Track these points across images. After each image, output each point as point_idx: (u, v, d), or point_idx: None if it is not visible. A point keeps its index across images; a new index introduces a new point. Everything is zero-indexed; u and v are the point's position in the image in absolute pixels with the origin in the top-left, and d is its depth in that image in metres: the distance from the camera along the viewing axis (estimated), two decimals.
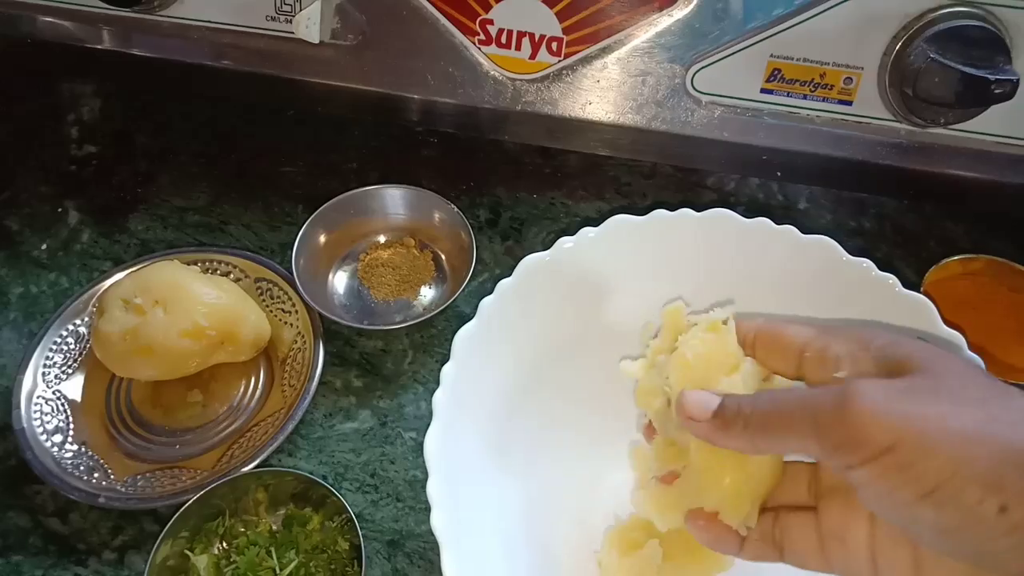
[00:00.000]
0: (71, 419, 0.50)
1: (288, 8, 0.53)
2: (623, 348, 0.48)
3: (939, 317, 0.43)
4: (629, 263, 0.47)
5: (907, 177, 0.55)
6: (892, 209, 0.64)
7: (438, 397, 0.40)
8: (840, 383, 0.27)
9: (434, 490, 0.37)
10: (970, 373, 0.27)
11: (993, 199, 0.56)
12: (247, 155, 0.66)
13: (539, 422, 0.47)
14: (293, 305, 0.55)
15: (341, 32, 0.54)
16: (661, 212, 0.46)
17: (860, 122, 0.52)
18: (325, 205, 0.57)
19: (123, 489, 0.47)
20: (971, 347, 0.42)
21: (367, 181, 0.60)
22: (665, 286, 0.47)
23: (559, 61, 0.53)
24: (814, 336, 0.31)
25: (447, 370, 0.41)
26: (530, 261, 0.44)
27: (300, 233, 0.55)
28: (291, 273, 0.54)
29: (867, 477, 0.26)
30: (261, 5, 0.53)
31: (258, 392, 0.53)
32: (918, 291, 0.44)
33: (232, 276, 0.56)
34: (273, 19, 0.53)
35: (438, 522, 0.36)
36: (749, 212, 0.46)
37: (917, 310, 0.43)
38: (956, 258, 0.53)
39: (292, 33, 0.53)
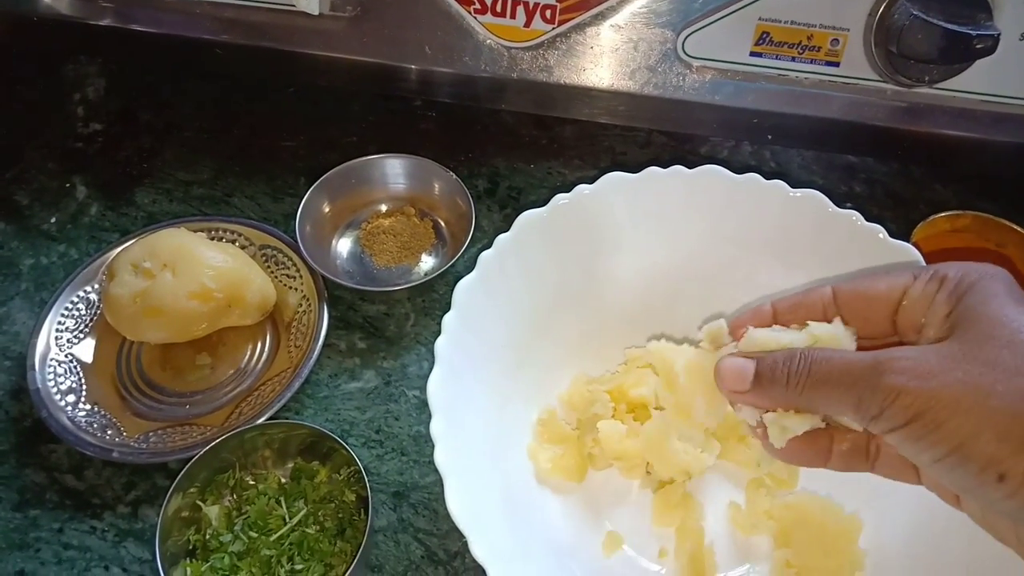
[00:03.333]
0: (84, 380, 0.52)
1: None
2: (617, 300, 0.50)
3: (924, 264, 0.44)
4: (624, 219, 0.48)
5: (895, 138, 0.56)
6: (882, 173, 0.65)
7: (440, 343, 0.41)
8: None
9: (437, 428, 0.39)
10: (1016, 336, 0.26)
11: (978, 158, 0.57)
12: (249, 130, 0.68)
13: (537, 366, 0.48)
14: (298, 270, 0.56)
15: (340, 3, 0.55)
16: (654, 169, 0.48)
17: (847, 83, 0.53)
18: (328, 173, 0.58)
19: (136, 445, 0.48)
20: None
21: (367, 154, 0.61)
22: (659, 241, 0.49)
23: (553, 28, 0.54)
24: (906, 283, 0.30)
25: (448, 318, 0.42)
26: (527, 216, 0.46)
27: (304, 199, 0.57)
28: (295, 240, 0.56)
29: (896, 440, 0.27)
30: None
31: (264, 354, 0.54)
32: (904, 240, 0.45)
33: (238, 243, 0.57)
34: None
35: (441, 457, 0.38)
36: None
37: (902, 257, 0.45)
38: (943, 214, 0.55)
39: (292, 5, 0.54)
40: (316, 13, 0.54)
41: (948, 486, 0.29)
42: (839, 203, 0.47)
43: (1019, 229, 0.54)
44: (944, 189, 0.64)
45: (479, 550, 0.36)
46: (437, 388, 0.40)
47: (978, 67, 0.50)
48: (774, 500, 0.46)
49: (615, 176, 0.48)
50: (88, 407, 0.50)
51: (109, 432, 0.49)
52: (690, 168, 0.48)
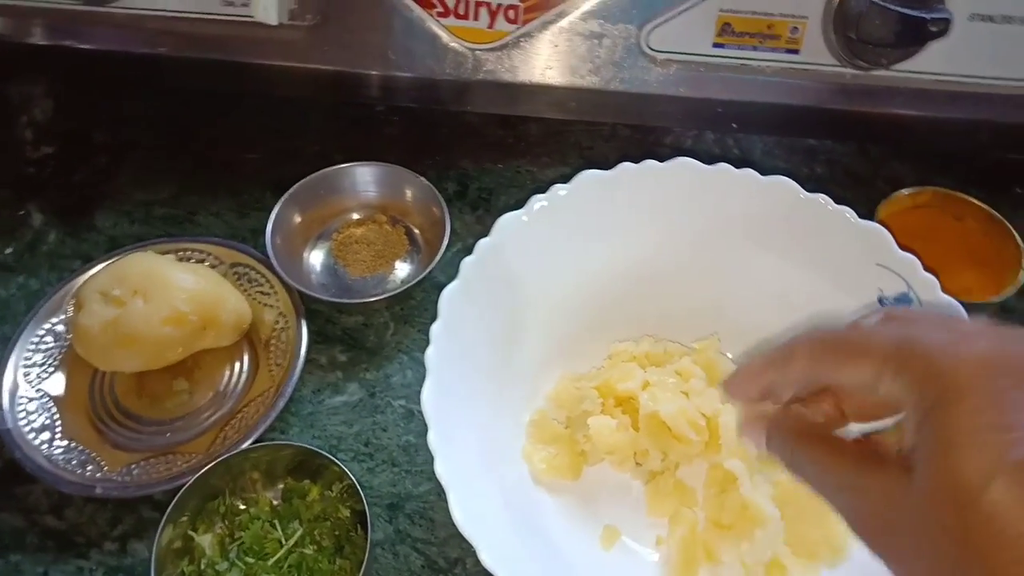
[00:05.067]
0: (57, 416, 0.50)
1: None
2: (599, 296, 0.51)
3: (894, 243, 0.46)
4: (600, 216, 0.49)
5: (853, 120, 0.58)
6: (841, 154, 0.67)
7: (430, 354, 0.41)
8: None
9: (435, 441, 0.38)
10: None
11: (933, 136, 0.59)
12: (209, 144, 0.66)
13: (524, 368, 0.48)
14: (272, 287, 0.55)
15: (299, 12, 0.54)
16: (627, 165, 0.48)
17: (808, 69, 0.54)
18: (297, 185, 0.57)
19: (118, 478, 0.47)
20: (926, 268, 0.45)
21: (331, 163, 0.60)
22: (636, 235, 0.50)
23: (517, 28, 0.54)
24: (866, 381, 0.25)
25: (436, 328, 0.42)
26: (506, 220, 0.46)
27: (274, 213, 0.56)
28: (266, 255, 0.55)
29: None
30: None
31: (244, 376, 0.53)
32: (870, 219, 0.46)
33: (207, 263, 0.56)
34: (229, 3, 0.54)
35: (441, 468, 0.38)
36: (709, 164, 0.48)
37: (873, 238, 0.46)
38: (905, 191, 0.56)
39: (250, 16, 0.53)
40: (275, 23, 0.53)
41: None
42: (802, 185, 0.48)
43: (975, 201, 0.56)
44: (901, 166, 0.66)
45: (488, 558, 0.36)
46: (431, 400, 0.39)
47: (932, 49, 0.52)
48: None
49: (589, 174, 0.48)
50: (64, 443, 0.49)
51: (89, 468, 0.47)
52: (661, 161, 0.49)
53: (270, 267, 0.55)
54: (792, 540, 0.44)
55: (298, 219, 0.58)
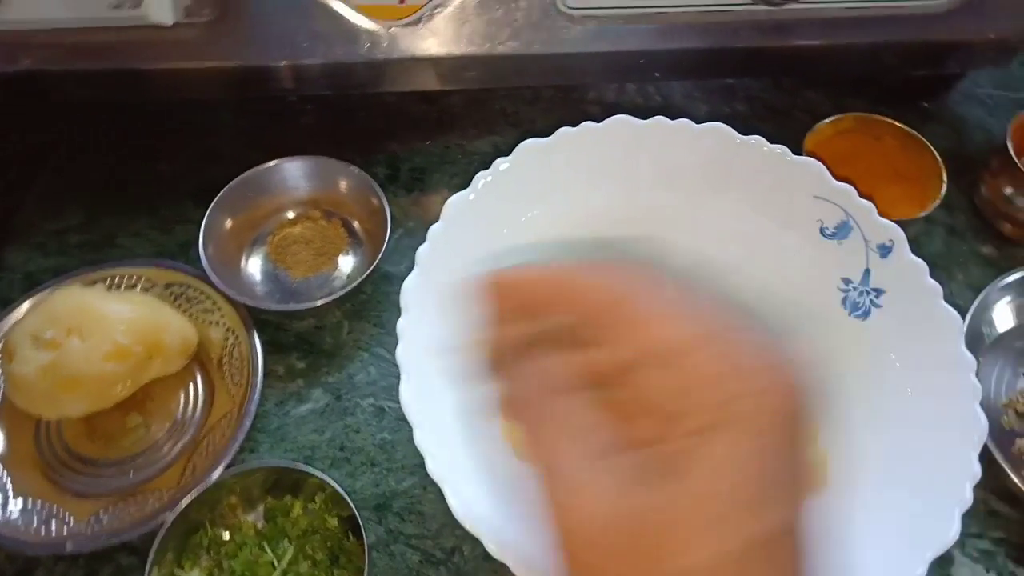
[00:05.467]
0: (5, 475, 0.47)
1: None
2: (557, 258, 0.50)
3: (829, 174, 0.47)
4: (546, 182, 0.48)
5: (769, 56, 0.59)
6: (758, 89, 0.68)
7: (400, 352, 0.40)
8: None
9: (423, 440, 0.38)
10: None
11: (843, 62, 0.61)
12: (117, 161, 0.62)
13: None
14: (213, 303, 0.52)
15: (195, 8, 0.51)
16: (565, 129, 0.48)
17: (723, 10, 0.55)
18: (223, 190, 0.54)
19: (88, 529, 0.45)
20: (861, 195, 0.46)
21: (252, 163, 0.57)
22: (583, 199, 0.49)
23: (429, 1, 0.52)
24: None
25: (402, 324, 0.41)
26: (454, 201, 0.45)
27: (203, 223, 0.53)
28: (201, 270, 0.52)
29: None
30: None
31: (200, 400, 0.51)
32: (799, 153, 0.48)
33: (139, 287, 0.53)
34: (118, 7, 0.49)
35: (433, 465, 0.37)
36: (635, 116, 0.48)
37: (809, 172, 0.47)
38: (826, 121, 0.58)
39: (143, 19, 0.49)
40: (170, 23, 0.50)
41: None
42: (724, 122, 0.48)
43: (892, 121, 0.59)
44: (815, 95, 0.68)
45: (495, 547, 0.36)
46: (411, 400, 0.39)
47: None
48: None
49: (529, 144, 0.47)
50: (20, 503, 0.46)
51: (54, 523, 0.45)
52: (589, 119, 0.48)
53: (208, 282, 0.52)
54: None
55: (228, 226, 0.55)
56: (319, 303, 0.52)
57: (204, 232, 0.53)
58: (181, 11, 0.50)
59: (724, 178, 0.49)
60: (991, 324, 0.54)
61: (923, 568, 0.36)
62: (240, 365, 0.51)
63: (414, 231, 0.59)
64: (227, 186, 0.54)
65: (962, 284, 0.58)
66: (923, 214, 0.54)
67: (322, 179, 0.57)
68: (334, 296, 0.52)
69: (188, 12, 0.50)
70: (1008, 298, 0.54)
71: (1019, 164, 0.56)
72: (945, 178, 0.55)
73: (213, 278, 0.52)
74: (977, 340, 0.53)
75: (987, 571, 0.48)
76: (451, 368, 0.43)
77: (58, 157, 0.62)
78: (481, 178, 0.46)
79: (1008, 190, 0.58)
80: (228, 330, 0.52)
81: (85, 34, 0.51)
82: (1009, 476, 0.47)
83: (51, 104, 0.61)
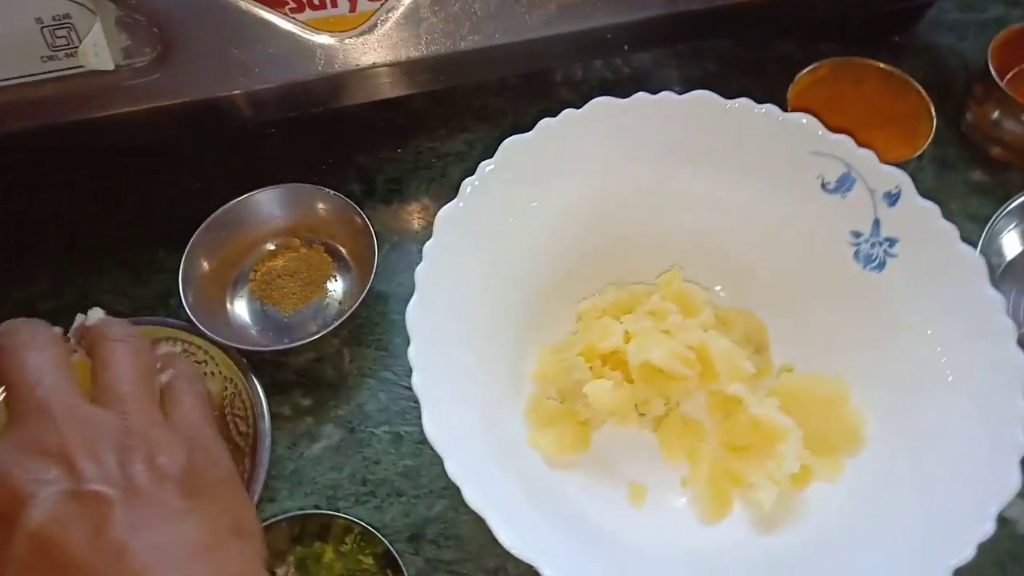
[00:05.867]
0: None
1: (63, 42, 0.46)
2: (554, 263, 0.49)
3: (823, 128, 0.46)
4: (535, 179, 0.46)
5: (733, 11, 0.57)
6: (726, 47, 0.66)
7: (416, 382, 0.38)
8: None
9: (455, 469, 0.36)
10: None
11: (807, 8, 0.59)
12: (77, 217, 0.59)
13: (504, 359, 0.47)
14: (205, 353, 0.50)
15: (135, 48, 0.47)
16: (547, 121, 0.46)
17: None
18: (196, 233, 0.51)
19: None
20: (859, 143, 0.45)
21: (219, 198, 0.54)
22: (574, 189, 0.48)
23: (382, 4, 0.49)
24: None
25: (412, 352, 0.39)
26: (445, 213, 0.43)
27: (180, 270, 0.50)
28: (185, 319, 0.49)
29: None
30: (30, 47, 0.45)
31: None
32: (784, 108, 0.46)
33: None
34: (51, 58, 0.46)
35: (471, 494, 0.35)
36: (605, 92, 0.47)
37: (802, 128, 0.46)
38: (804, 72, 0.56)
39: (80, 67, 0.46)
40: (112, 67, 0.47)
41: None
42: (699, 85, 0.47)
43: (871, 62, 0.57)
44: (784, 44, 0.66)
45: (545, 568, 0.35)
46: (437, 430, 0.37)
47: None
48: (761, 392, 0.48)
49: (512, 142, 0.45)
50: None
51: None
52: (577, 106, 0.46)
53: (196, 331, 0.49)
54: (809, 441, 0.44)
55: (207, 269, 0.53)
56: (315, 336, 0.49)
57: (182, 280, 0.50)
58: (120, 53, 0.47)
59: (716, 146, 0.47)
60: (1000, 253, 0.53)
61: (991, 523, 0.35)
62: (244, 414, 0.48)
63: (400, 244, 0.57)
64: (199, 228, 0.52)
65: (962, 216, 0.57)
66: (917, 154, 0.52)
67: (297, 206, 0.55)
68: (331, 327, 0.49)
69: (128, 53, 0.47)
70: (1013, 224, 0.53)
71: (1003, 87, 0.55)
72: (934, 112, 0.54)
73: (200, 326, 0.49)
74: (989, 271, 0.52)
75: None
76: (469, 392, 0.42)
77: (16, 223, 0.58)
78: (468, 184, 0.44)
79: (995, 114, 0.57)
80: (225, 379, 0.49)
81: (20, 91, 0.47)
82: None
83: None
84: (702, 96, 0.46)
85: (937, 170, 0.60)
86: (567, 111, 0.46)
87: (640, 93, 0.46)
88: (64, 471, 0.30)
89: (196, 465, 0.33)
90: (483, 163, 0.44)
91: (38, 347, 0.33)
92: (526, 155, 0.45)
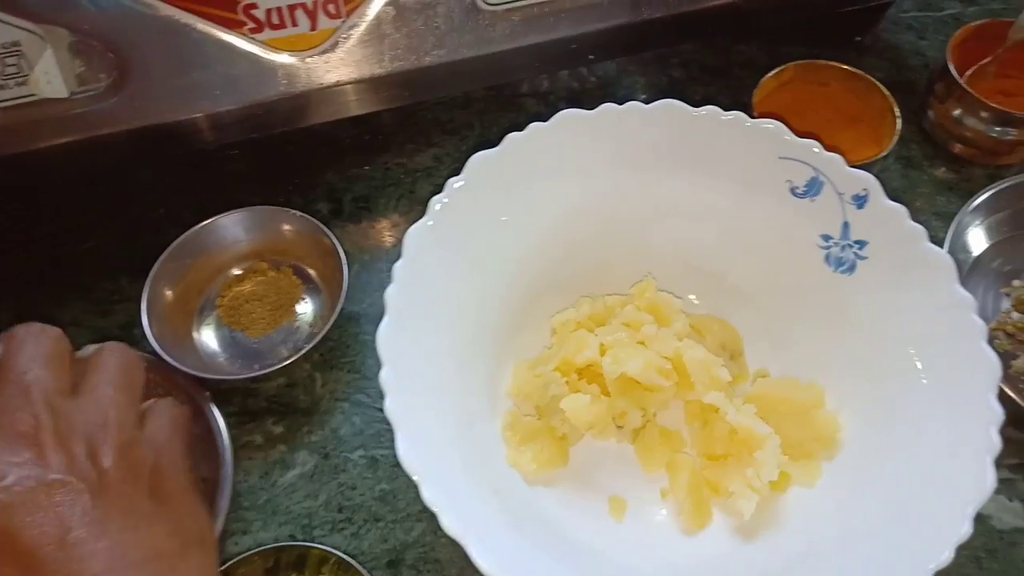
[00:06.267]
0: None
1: (13, 70, 0.45)
2: (525, 277, 0.48)
3: (790, 132, 0.45)
4: (504, 195, 0.46)
5: (695, 18, 0.57)
6: (690, 52, 0.66)
7: (389, 406, 0.37)
8: None
9: (432, 496, 0.35)
10: None
11: (769, 11, 0.59)
12: (34, 246, 0.57)
13: (480, 378, 0.46)
14: (166, 390, 0.48)
15: (90, 74, 0.46)
16: (513, 135, 0.45)
17: None
18: (157, 262, 0.50)
19: None
20: (826, 147, 0.45)
21: (183, 223, 0.53)
22: (543, 201, 0.47)
23: (343, 21, 0.49)
24: None
25: (384, 375, 0.38)
26: (415, 232, 0.42)
27: (143, 301, 0.49)
28: (151, 350, 0.48)
29: None
30: None
31: None
32: (750, 114, 0.46)
33: None
34: (1, 88, 0.45)
35: (448, 522, 0.35)
36: (571, 104, 0.46)
37: (769, 134, 0.46)
38: (769, 75, 0.57)
39: (32, 96, 0.45)
40: (66, 95, 0.45)
41: None
42: (665, 92, 0.46)
43: (834, 64, 0.57)
44: (748, 48, 0.66)
45: None
46: (409, 454, 0.36)
47: None
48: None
49: (480, 157, 0.44)
50: None
51: None
52: (544, 117, 0.46)
53: (160, 363, 0.48)
54: (786, 446, 0.44)
55: (171, 298, 0.51)
56: (286, 363, 0.48)
57: (146, 311, 0.49)
58: (74, 80, 0.46)
59: (684, 155, 0.47)
60: (967, 250, 0.54)
61: (968, 524, 0.35)
62: (206, 449, 0.47)
63: (371, 264, 0.56)
64: (160, 257, 0.50)
65: (928, 213, 0.58)
66: (883, 154, 0.53)
67: (263, 229, 0.54)
68: (301, 351, 0.48)
69: (82, 80, 0.46)
70: (978, 220, 0.54)
71: (963, 85, 0.56)
72: (898, 112, 0.54)
73: (165, 357, 0.48)
74: (957, 269, 0.52)
75: (1010, 500, 0.47)
76: (445, 413, 0.41)
77: None
78: (437, 201, 0.43)
79: (957, 111, 0.58)
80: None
81: None
82: (1013, 400, 0.46)
83: None
84: (669, 105, 0.46)
85: (903, 169, 0.61)
86: (533, 124, 0.45)
87: (606, 104, 0.46)
88: (35, 456, 0.29)
89: (164, 471, 0.33)
90: (451, 179, 0.44)
91: (41, 341, 0.32)
92: (494, 170, 0.45)
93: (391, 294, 0.40)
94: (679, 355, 0.45)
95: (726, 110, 0.46)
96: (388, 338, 0.39)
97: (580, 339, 0.46)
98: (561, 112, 0.46)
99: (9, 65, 0.45)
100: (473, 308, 0.45)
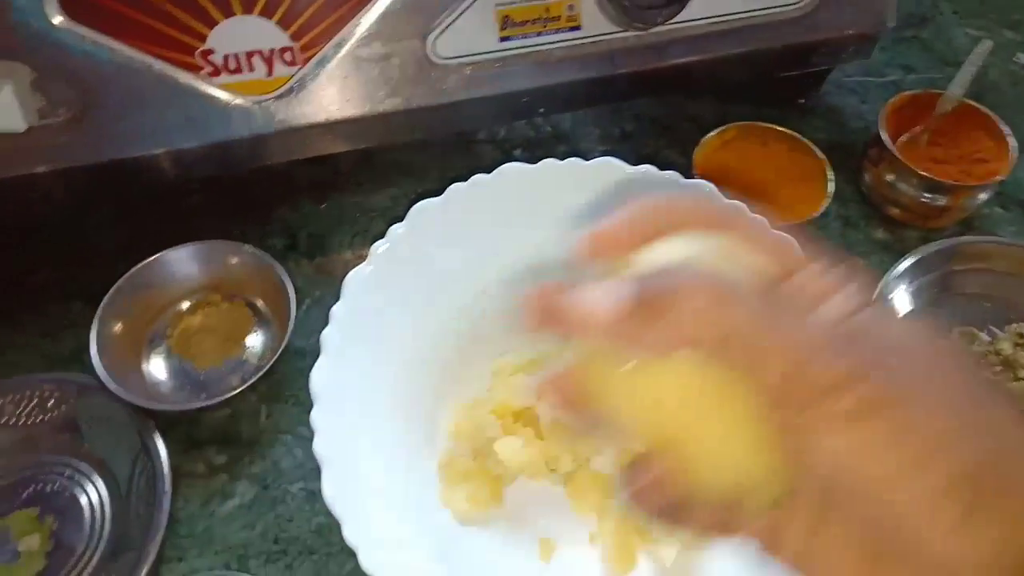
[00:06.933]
0: None
1: None
2: (466, 323, 0.50)
3: (719, 194, 0.48)
4: (447, 241, 0.47)
5: (647, 77, 0.59)
6: (644, 107, 0.69)
7: (318, 445, 0.39)
8: None
9: (353, 535, 0.36)
10: None
11: (719, 72, 0.62)
12: None
13: (417, 419, 0.47)
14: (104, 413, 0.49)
15: (49, 108, 0.48)
16: (457, 185, 0.47)
17: (594, 41, 0.55)
18: (108, 294, 0.51)
19: None
20: (754, 209, 0.47)
21: (139, 253, 0.54)
22: (484, 250, 0.49)
23: (299, 69, 0.51)
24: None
25: (315, 416, 0.39)
26: (354, 276, 0.44)
27: (93, 332, 0.50)
28: (97, 378, 0.49)
29: None
30: None
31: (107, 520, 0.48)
32: (691, 171, 0.48)
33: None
34: None
35: (368, 561, 0.36)
36: (526, 152, 0.48)
37: (703, 194, 0.48)
38: (712, 134, 0.59)
39: None
40: (24, 128, 0.47)
41: None
42: (618, 144, 0.49)
43: (773, 126, 0.61)
44: (698, 105, 0.69)
45: None
46: (335, 492, 0.37)
47: None
48: None
49: (422, 205, 0.46)
50: None
51: None
52: (487, 169, 0.48)
53: (106, 393, 0.49)
54: None
55: (120, 330, 0.52)
56: (231, 393, 0.50)
57: (95, 343, 0.50)
58: (34, 114, 0.47)
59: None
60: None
61: None
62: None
63: (322, 300, 0.58)
64: (111, 290, 0.52)
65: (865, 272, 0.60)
66: (819, 213, 0.55)
67: (216, 262, 0.55)
68: (247, 383, 0.50)
69: (42, 114, 0.48)
70: (903, 285, 0.56)
71: (895, 152, 0.59)
72: (830, 175, 0.57)
73: (111, 385, 0.49)
74: None
75: None
76: (377, 451, 0.42)
77: None
78: (379, 246, 0.45)
79: (890, 177, 0.60)
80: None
81: None
82: None
83: None
84: (607, 163, 0.48)
85: (842, 228, 0.63)
86: (476, 176, 0.47)
87: (548, 159, 0.48)
88: None
89: None
90: (393, 226, 0.45)
91: None
92: (436, 217, 0.47)
93: (328, 335, 0.41)
94: None
95: (674, 164, 0.48)
96: (322, 378, 0.40)
97: (518, 383, 0.48)
98: (504, 165, 0.48)
99: None
100: (413, 350, 0.47)
